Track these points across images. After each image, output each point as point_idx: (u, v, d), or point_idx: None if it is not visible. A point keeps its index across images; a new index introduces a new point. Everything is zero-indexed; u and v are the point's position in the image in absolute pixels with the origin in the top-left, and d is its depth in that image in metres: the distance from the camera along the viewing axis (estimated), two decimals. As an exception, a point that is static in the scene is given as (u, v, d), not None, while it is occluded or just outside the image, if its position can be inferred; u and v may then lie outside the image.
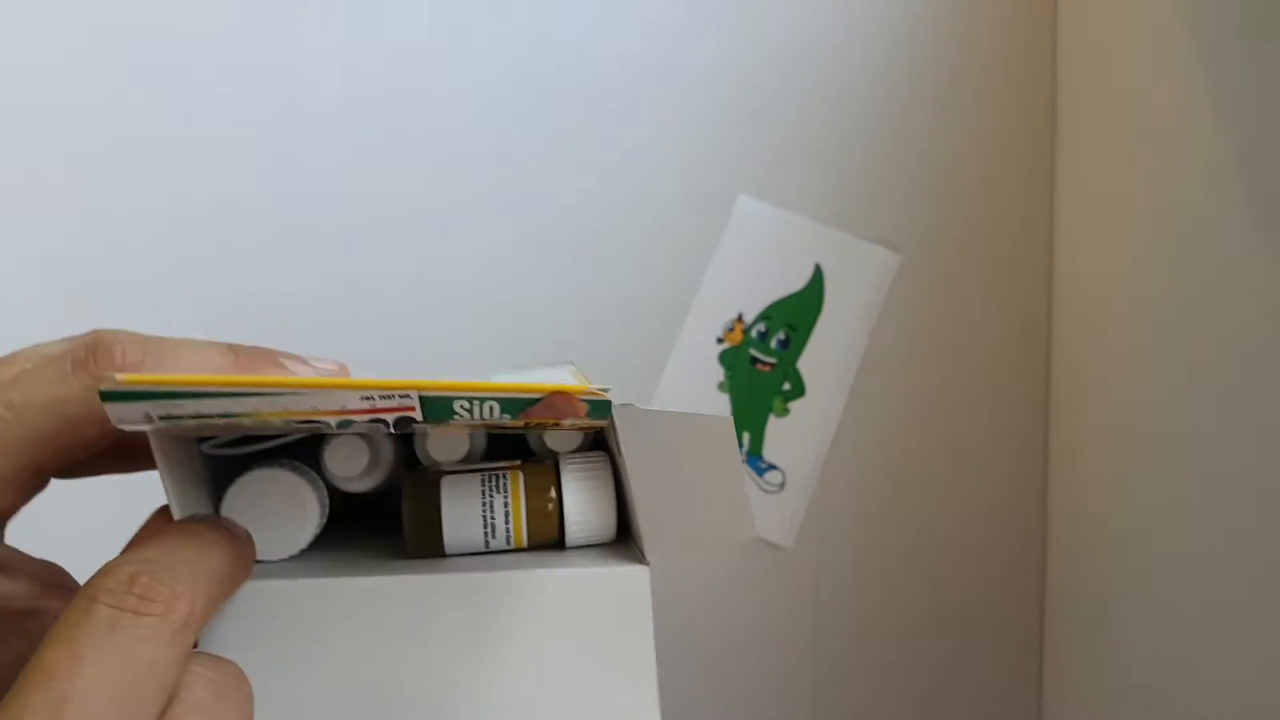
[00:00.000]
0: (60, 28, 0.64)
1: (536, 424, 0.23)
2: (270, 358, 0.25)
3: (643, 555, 0.25)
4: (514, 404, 0.22)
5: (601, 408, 0.22)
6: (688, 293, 0.62)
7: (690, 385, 0.61)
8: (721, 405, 0.61)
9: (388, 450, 0.27)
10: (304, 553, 0.25)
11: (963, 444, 0.61)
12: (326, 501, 0.26)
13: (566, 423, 0.24)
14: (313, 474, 0.26)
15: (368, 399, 0.21)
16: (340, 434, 0.25)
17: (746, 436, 0.61)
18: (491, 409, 0.22)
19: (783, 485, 0.61)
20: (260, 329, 0.61)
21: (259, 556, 0.25)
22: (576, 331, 0.62)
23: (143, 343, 0.24)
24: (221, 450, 0.25)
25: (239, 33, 0.65)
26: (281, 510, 0.25)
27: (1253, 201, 0.44)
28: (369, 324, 0.62)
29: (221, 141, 0.61)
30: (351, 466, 0.26)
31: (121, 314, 0.59)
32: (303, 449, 0.26)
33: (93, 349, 0.24)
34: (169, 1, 0.64)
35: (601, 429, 0.25)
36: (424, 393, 0.21)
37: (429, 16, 0.65)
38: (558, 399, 0.22)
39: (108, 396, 0.20)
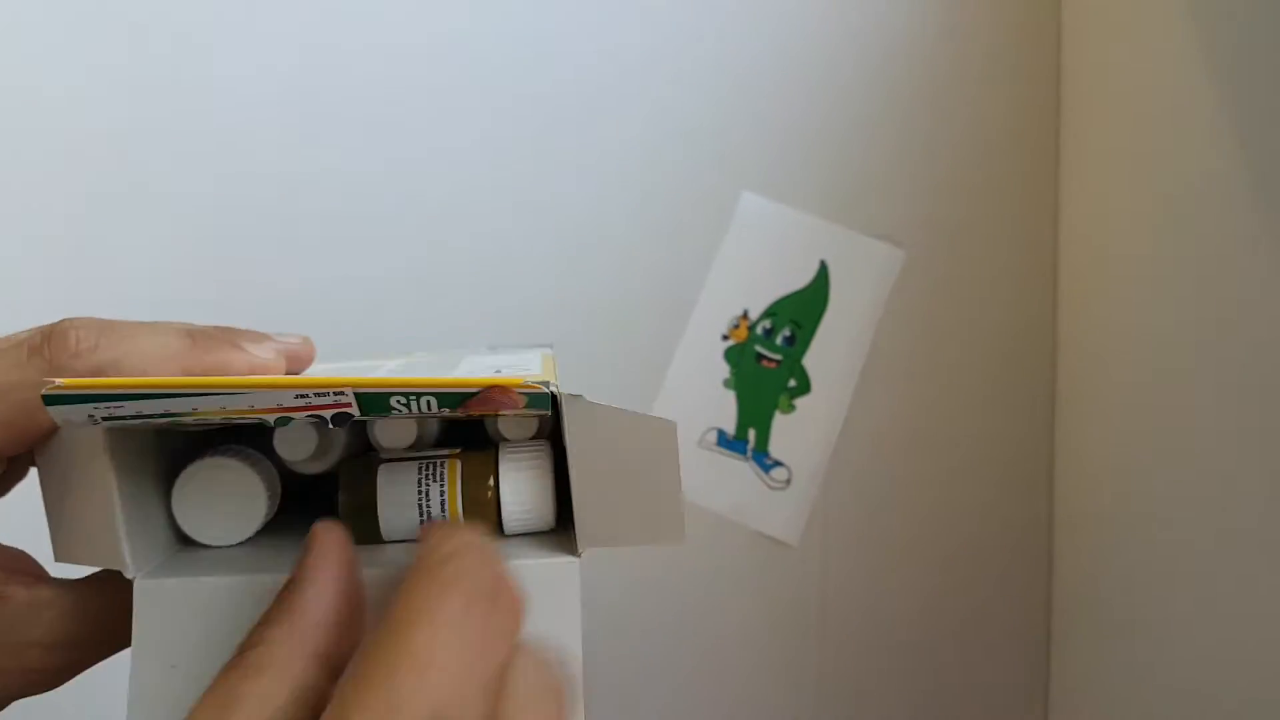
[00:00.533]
0: (62, 24, 0.64)
1: (480, 414, 0.24)
2: (229, 339, 0.25)
3: (575, 546, 0.25)
4: (451, 398, 0.22)
5: (540, 400, 0.23)
6: (693, 289, 0.62)
7: (696, 382, 0.62)
8: (727, 402, 0.61)
9: (339, 434, 0.27)
10: (256, 536, 0.26)
11: (968, 440, 0.61)
12: (277, 487, 0.26)
13: (510, 414, 0.24)
14: (263, 460, 0.26)
15: (302, 397, 0.22)
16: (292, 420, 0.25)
17: (752, 433, 0.61)
18: (429, 403, 0.22)
19: (788, 482, 0.61)
20: (258, 324, 0.61)
21: (208, 542, 0.25)
22: (582, 328, 0.62)
23: (99, 328, 0.24)
24: (181, 432, 0.25)
25: (240, 31, 0.65)
26: (231, 498, 0.25)
27: (1260, 198, 0.43)
28: (370, 320, 0.62)
29: (221, 136, 0.61)
30: (300, 451, 0.26)
31: (120, 308, 0.60)
32: (255, 431, 0.26)
33: (48, 336, 0.24)
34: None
35: (559, 418, 0.24)
36: (360, 389, 0.22)
37: (429, 13, 0.65)
38: (495, 393, 0.22)
39: (50, 400, 0.20)
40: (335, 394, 0.22)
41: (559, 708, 0.21)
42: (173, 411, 0.22)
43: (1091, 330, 0.59)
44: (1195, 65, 0.48)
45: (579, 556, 0.25)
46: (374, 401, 0.22)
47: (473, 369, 0.26)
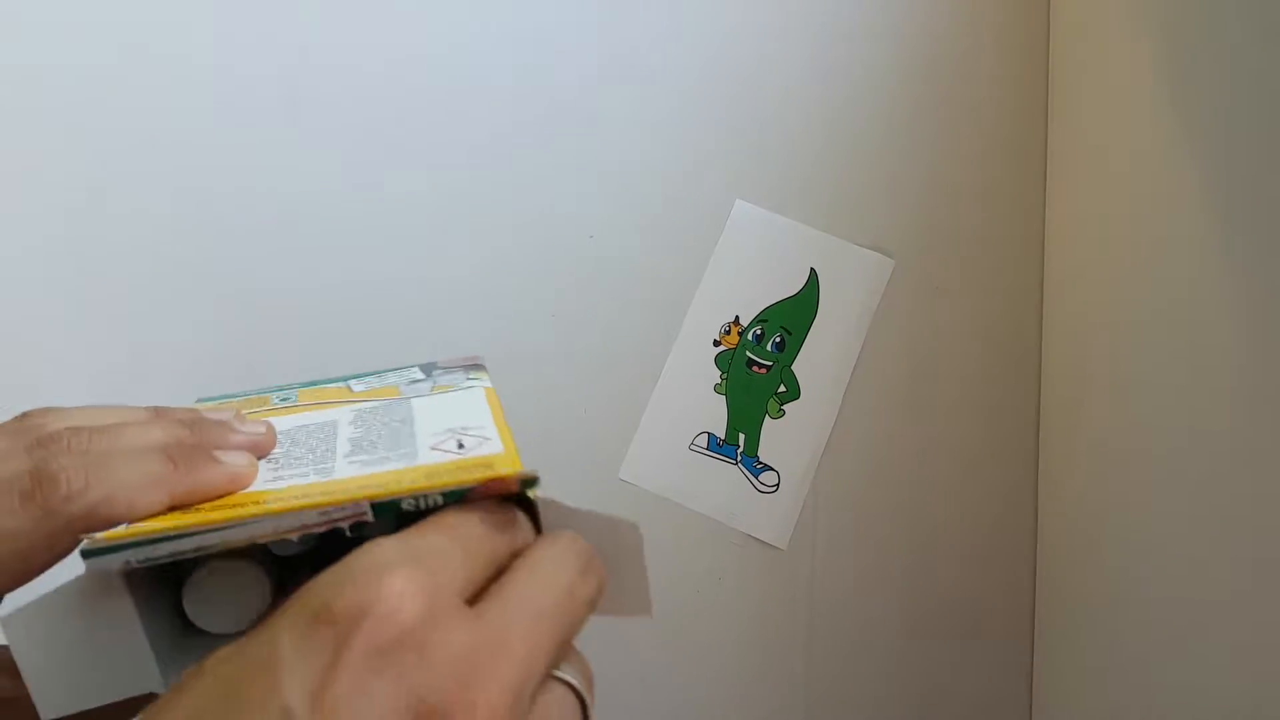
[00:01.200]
0: (64, 22, 0.65)
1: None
2: (203, 451, 0.26)
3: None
4: (456, 495, 0.24)
5: (530, 483, 0.25)
6: (686, 295, 0.63)
7: (687, 386, 0.62)
8: (718, 406, 0.62)
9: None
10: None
11: (955, 446, 0.62)
12: (270, 586, 0.27)
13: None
14: (265, 560, 0.27)
15: (325, 515, 0.24)
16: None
17: (742, 438, 0.62)
18: (436, 501, 0.25)
19: (777, 486, 0.61)
20: (259, 324, 0.61)
21: (220, 632, 0.26)
22: (575, 333, 0.63)
23: (82, 461, 0.25)
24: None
25: (240, 32, 0.66)
26: (238, 590, 0.26)
27: (1242, 210, 0.44)
28: (368, 322, 0.63)
29: (223, 139, 0.61)
30: (290, 549, 0.28)
31: (121, 308, 0.60)
32: None
33: (37, 480, 0.24)
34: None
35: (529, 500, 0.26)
36: (375, 500, 0.24)
37: (429, 19, 0.65)
38: (495, 484, 0.25)
39: (88, 554, 0.22)
40: (354, 505, 0.24)
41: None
42: (204, 546, 0.23)
43: (1077, 338, 0.60)
44: (1181, 74, 0.49)
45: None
46: (386, 508, 0.24)
47: (434, 429, 0.28)
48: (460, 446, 0.27)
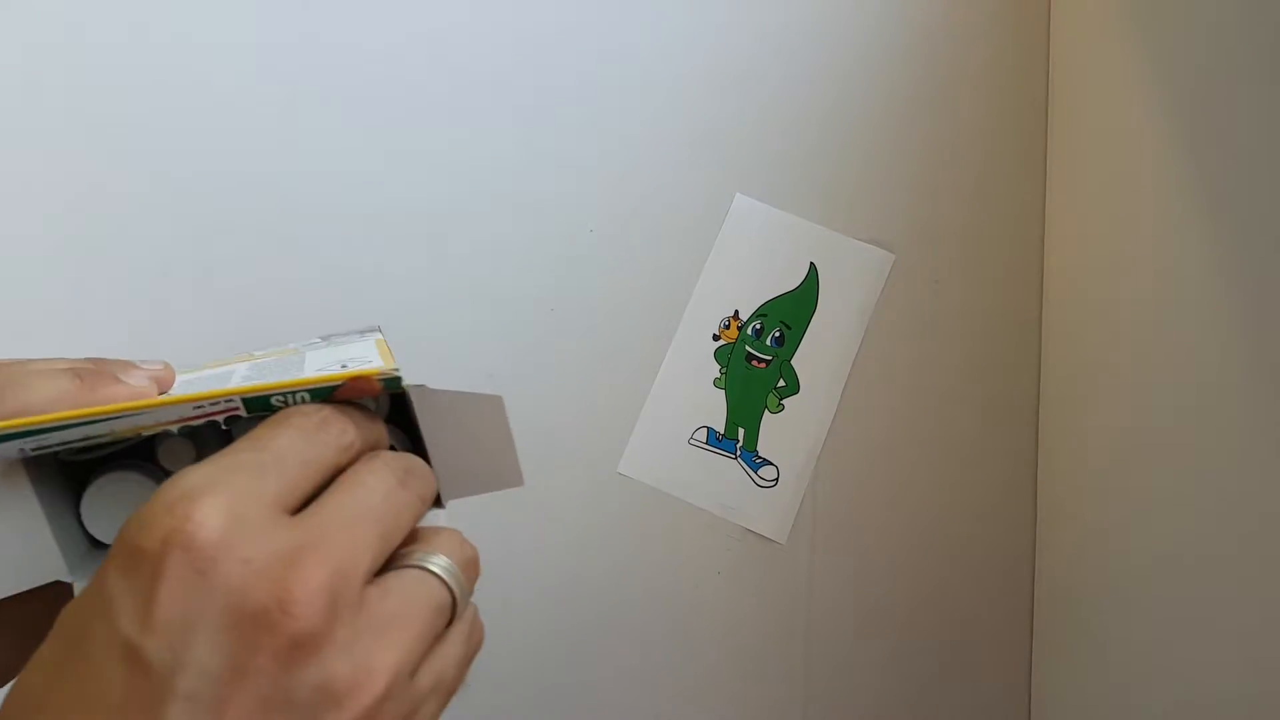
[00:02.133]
0: (62, 22, 0.64)
1: (347, 399, 0.28)
2: (109, 375, 0.28)
3: (441, 500, 0.30)
4: (321, 393, 0.27)
5: (393, 382, 0.28)
6: (685, 290, 0.63)
7: (687, 381, 0.62)
8: (717, 401, 0.62)
9: (214, 444, 0.30)
10: None
11: (954, 441, 0.62)
12: None
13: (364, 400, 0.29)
14: (155, 472, 0.29)
15: (199, 408, 0.27)
16: (173, 436, 0.29)
17: (742, 432, 0.62)
18: (303, 398, 0.27)
19: (776, 480, 0.61)
20: (255, 317, 0.61)
21: (110, 541, 0.28)
22: (574, 327, 0.63)
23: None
24: (78, 457, 0.29)
25: (240, 31, 0.65)
26: (134, 504, 0.27)
27: (1242, 204, 0.44)
28: (367, 316, 0.63)
29: (222, 131, 0.61)
30: (181, 462, 0.30)
31: (121, 305, 0.60)
32: (141, 449, 0.30)
33: None
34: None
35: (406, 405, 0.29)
36: (246, 395, 0.27)
37: (428, 12, 0.65)
38: (358, 383, 0.27)
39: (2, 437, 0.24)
40: (226, 401, 0.27)
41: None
42: (93, 435, 0.26)
43: (1076, 332, 0.60)
44: (1181, 68, 0.49)
45: (444, 508, 0.30)
46: (258, 402, 0.27)
47: (322, 365, 0.30)
48: (343, 368, 0.28)
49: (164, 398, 0.27)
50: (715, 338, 0.63)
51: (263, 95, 0.64)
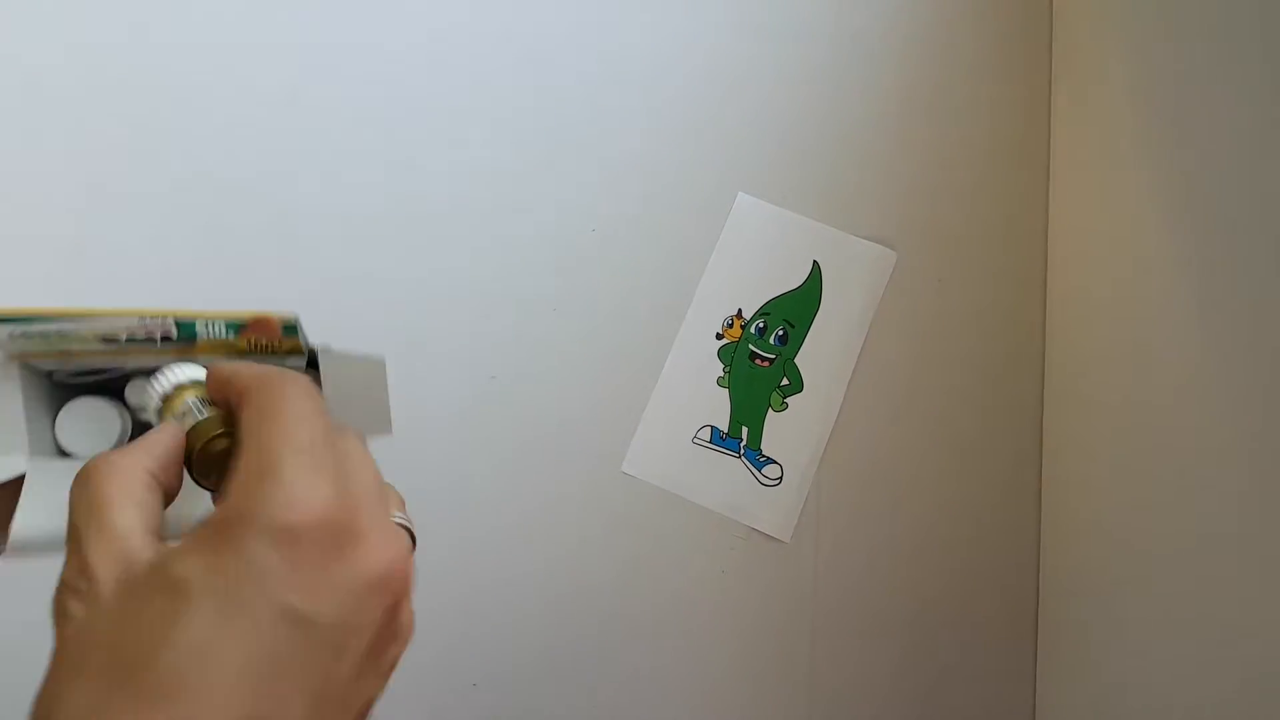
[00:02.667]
0: (61, 21, 0.64)
1: (256, 343, 0.35)
2: None
3: None
4: (234, 325, 0.34)
5: (290, 329, 0.34)
6: (688, 288, 0.63)
7: (690, 379, 0.62)
8: (721, 399, 0.62)
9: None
10: None
11: (958, 438, 0.62)
12: (129, 424, 0.37)
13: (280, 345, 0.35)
14: (121, 405, 0.36)
15: (143, 321, 0.33)
16: (136, 377, 0.37)
17: (745, 430, 0.62)
18: (221, 328, 0.34)
19: (780, 479, 0.61)
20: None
21: (80, 454, 0.35)
22: (577, 327, 0.63)
23: None
24: (68, 380, 0.36)
25: (245, 28, 0.65)
26: (99, 424, 0.36)
27: (1245, 203, 0.44)
28: (369, 318, 0.63)
29: (225, 132, 0.61)
30: (143, 402, 0.35)
31: (120, 298, 0.60)
32: (112, 386, 0.37)
33: None
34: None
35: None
36: (178, 319, 0.34)
37: (429, 16, 0.65)
38: (261, 320, 0.34)
39: None
40: (163, 321, 0.34)
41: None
42: (65, 331, 0.33)
43: (1080, 330, 0.60)
44: (1184, 69, 0.49)
45: None
46: (187, 327, 0.34)
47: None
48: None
49: (117, 308, 0.33)
50: (718, 336, 0.63)
51: (263, 96, 0.65)
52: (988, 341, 0.63)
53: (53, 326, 0.32)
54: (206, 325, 0.34)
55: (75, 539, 0.26)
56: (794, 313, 0.63)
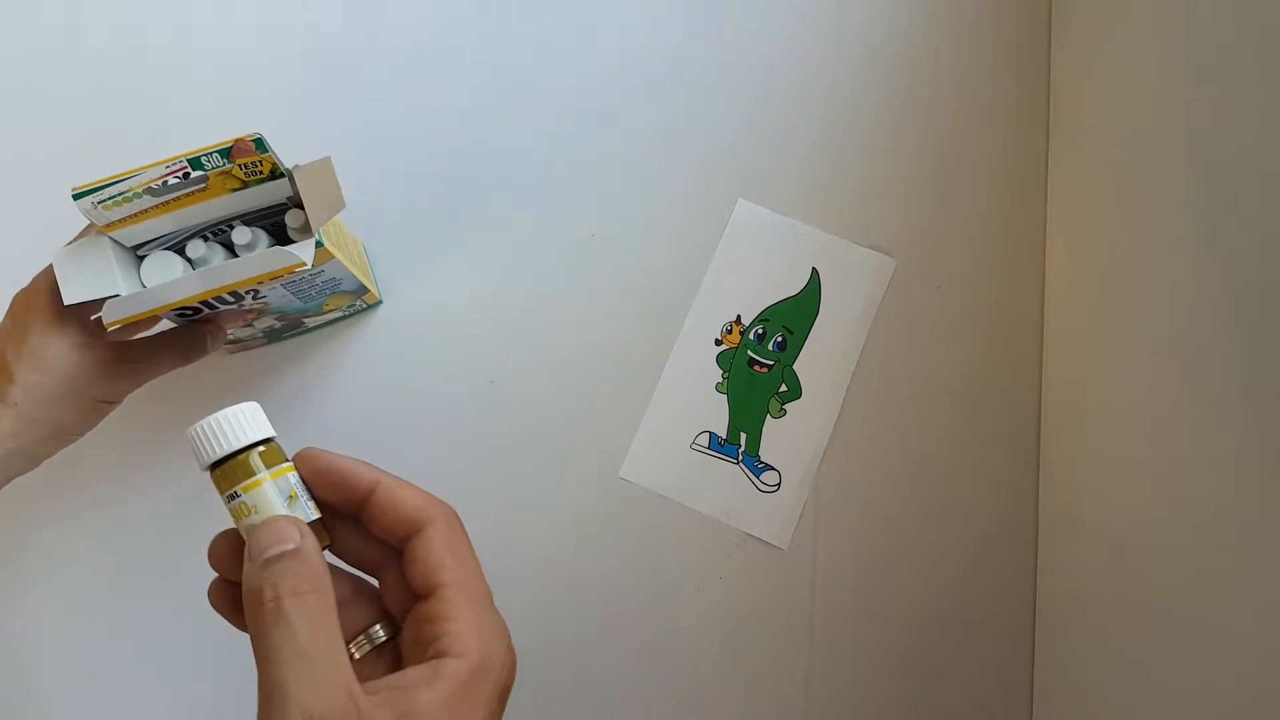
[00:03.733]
0: (62, 20, 0.64)
1: (247, 166, 0.45)
2: None
3: (311, 229, 0.47)
4: (224, 152, 0.43)
5: (260, 144, 0.43)
6: (687, 294, 0.63)
7: (689, 385, 0.62)
8: (719, 405, 0.62)
9: (219, 256, 0.48)
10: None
11: (957, 446, 0.62)
12: (189, 269, 0.47)
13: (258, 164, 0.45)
14: (183, 258, 0.48)
15: (169, 166, 0.43)
16: (193, 238, 0.48)
17: (744, 437, 0.62)
18: (217, 158, 0.44)
19: (779, 485, 0.61)
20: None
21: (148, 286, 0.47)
22: (577, 332, 0.63)
23: None
24: (146, 253, 0.48)
25: (244, 28, 0.65)
26: (167, 270, 0.47)
27: (1245, 206, 0.44)
28: (369, 318, 0.63)
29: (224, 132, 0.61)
30: (200, 254, 0.48)
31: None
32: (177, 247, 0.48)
33: None
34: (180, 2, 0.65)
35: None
36: (187, 158, 0.43)
37: (429, 19, 0.65)
38: (241, 143, 0.43)
39: (78, 195, 0.42)
40: (181, 162, 0.43)
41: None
42: (123, 191, 0.43)
43: (1079, 337, 0.60)
44: (1184, 74, 0.49)
45: (315, 236, 0.47)
46: (197, 162, 0.43)
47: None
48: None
49: (147, 164, 0.44)
50: (717, 342, 0.63)
51: (263, 103, 0.65)
52: (987, 348, 0.63)
53: (114, 187, 0.42)
54: (206, 158, 0.43)
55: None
56: (793, 319, 0.63)
